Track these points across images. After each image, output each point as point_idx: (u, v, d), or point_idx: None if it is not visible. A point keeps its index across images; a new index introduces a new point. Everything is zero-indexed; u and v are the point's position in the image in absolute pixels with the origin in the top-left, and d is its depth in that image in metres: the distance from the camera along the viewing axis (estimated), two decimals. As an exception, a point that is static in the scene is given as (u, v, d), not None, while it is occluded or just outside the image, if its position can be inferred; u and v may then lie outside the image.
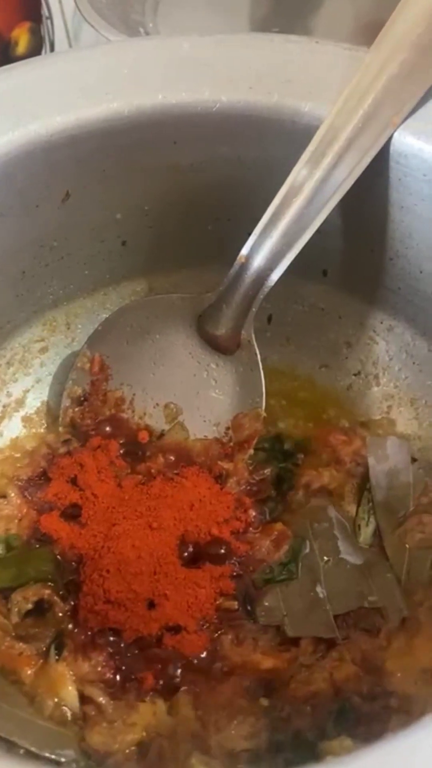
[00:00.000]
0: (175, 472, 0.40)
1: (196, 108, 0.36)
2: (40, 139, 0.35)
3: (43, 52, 0.67)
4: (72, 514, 0.38)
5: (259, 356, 0.40)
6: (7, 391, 0.43)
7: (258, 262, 0.37)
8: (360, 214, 0.38)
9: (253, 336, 0.40)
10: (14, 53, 0.65)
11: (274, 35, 0.37)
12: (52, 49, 0.67)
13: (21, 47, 0.65)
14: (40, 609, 0.35)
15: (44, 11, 0.66)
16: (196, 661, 0.34)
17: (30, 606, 0.35)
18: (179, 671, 0.34)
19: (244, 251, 0.38)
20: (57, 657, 0.34)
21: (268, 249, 0.37)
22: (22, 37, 0.65)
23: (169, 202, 0.40)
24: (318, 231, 0.37)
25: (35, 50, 0.66)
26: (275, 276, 0.38)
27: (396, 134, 0.34)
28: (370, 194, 0.37)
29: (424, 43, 0.33)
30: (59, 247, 0.40)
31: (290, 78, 0.36)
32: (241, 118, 0.36)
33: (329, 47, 0.36)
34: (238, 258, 0.38)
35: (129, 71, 0.36)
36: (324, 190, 0.35)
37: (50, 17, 0.66)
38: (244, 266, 0.38)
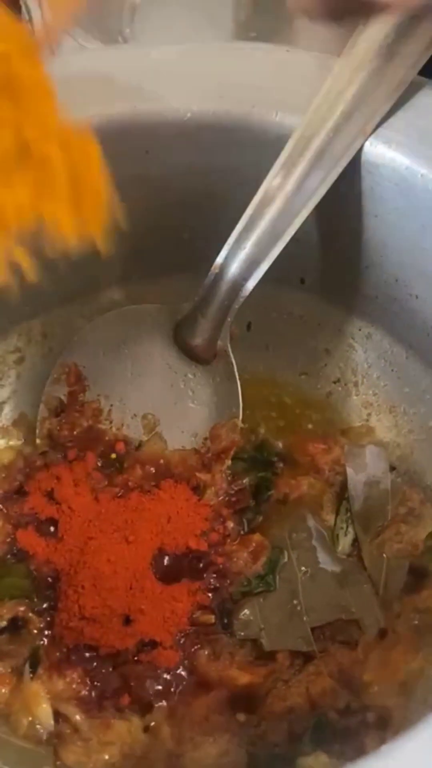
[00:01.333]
0: (153, 483, 0.40)
1: (167, 117, 0.36)
2: (9, 150, 0.34)
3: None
4: (48, 528, 0.38)
5: (235, 366, 0.40)
6: (-16, 403, 0.43)
7: (233, 271, 0.37)
8: (334, 223, 0.38)
9: (229, 346, 0.40)
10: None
11: (243, 43, 0.37)
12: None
13: (1, 51, 0.65)
14: (15, 626, 0.35)
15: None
16: (171, 677, 0.34)
17: (4, 623, 0.35)
18: (155, 687, 0.33)
19: (219, 260, 0.37)
20: (31, 675, 0.33)
21: (242, 258, 0.37)
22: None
23: (143, 211, 0.40)
24: (295, 239, 0.36)
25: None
26: (250, 285, 0.37)
27: (367, 143, 0.34)
28: (343, 203, 0.37)
29: (393, 50, 0.33)
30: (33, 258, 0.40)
31: (260, 87, 0.35)
32: (212, 127, 0.36)
33: (299, 55, 0.36)
34: (212, 267, 0.37)
35: (99, 80, 0.36)
36: (297, 199, 0.35)
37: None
38: (219, 275, 0.37)
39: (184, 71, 0.36)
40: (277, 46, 0.36)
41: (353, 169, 0.35)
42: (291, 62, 0.36)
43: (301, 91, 0.35)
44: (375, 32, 0.32)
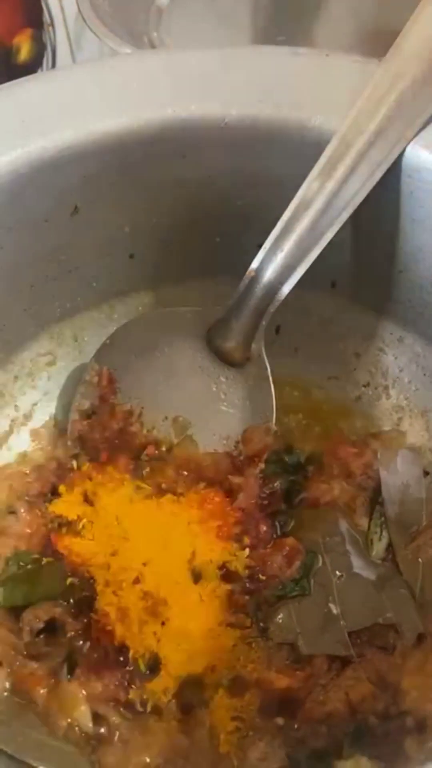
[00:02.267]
0: (185, 486, 0.40)
1: (205, 122, 0.36)
2: (48, 154, 0.35)
3: (45, 58, 0.67)
4: (82, 529, 0.38)
5: (269, 370, 0.40)
6: (15, 405, 0.43)
7: (268, 275, 0.37)
8: (370, 227, 0.38)
9: (263, 350, 0.40)
10: (16, 60, 0.65)
11: (281, 48, 0.37)
12: (54, 56, 0.67)
13: (23, 54, 0.65)
14: (52, 627, 0.35)
15: (46, 18, 0.65)
16: (209, 680, 0.34)
17: (41, 625, 0.35)
18: (193, 690, 0.33)
19: (254, 265, 0.37)
20: (69, 676, 0.33)
21: (278, 262, 0.37)
22: (24, 44, 0.65)
23: (177, 215, 0.40)
24: (328, 243, 0.36)
25: (37, 57, 0.66)
26: (286, 289, 0.37)
27: (408, 148, 0.34)
28: (380, 207, 0.37)
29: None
30: (67, 261, 0.40)
31: (299, 91, 0.35)
32: (250, 132, 0.36)
33: (338, 60, 0.36)
34: (248, 272, 0.38)
35: (137, 85, 0.36)
36: (335, 204, 0.35)
37: (52, 24, 0.66)
38: (255, 279, 0.37)
39: (223, 75, 0.36)
40: (317, 50, 0.36)
41: (392, 173, 0.35)
42: (330, 67, 0.36)
43: (340, 96, 0.35)
44: (418, 38, 0.32)
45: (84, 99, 0.35)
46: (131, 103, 0.36)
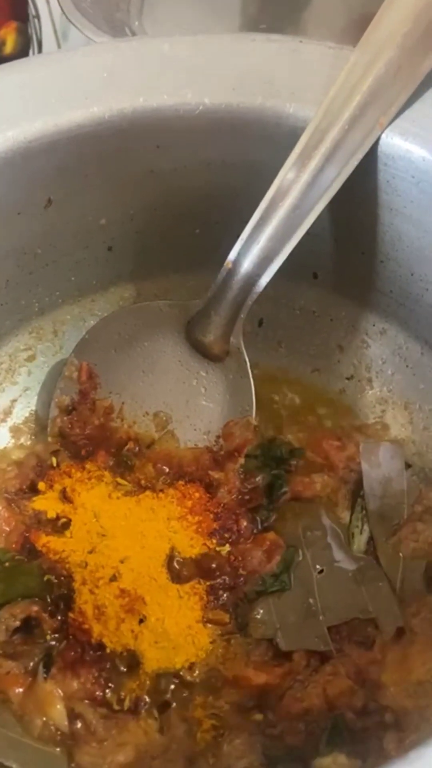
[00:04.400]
0: (165, 482, 0.39)
1: (179, 111, 0.35)
2: (19, 145, 0.34)
3: (30, 51, 0.66)
4: (61, 527, 0.38)
5: (248, 364, 0.40)
6: (-6, 401, 0.42)
7: (246, 267, 0.37)
8: (349, 217, 0.38)
9: (242, 343, 0.39)
10: (2, 53, 0.64)
11: (256, 35, 0.36)
12: (39, 49, 0.66)
13: (8, 47, 0.65)
14: (28, 626, 0.34)
15: (31, 10, 0.65)
16: (186, 677, 0.33)
17: (18, 623, 0.34)
18: (171, 687, 0.33)
19: (231, 256, 0.37)
20: (45, 675, 0.33)
21: (255, 254, 0.36)
22: (9, 37, 0.64)
23: (154, 206, 0.40)
24: (307, 233, 0.36)
25: (23, 50, 0.66)
26: (264, 281, 0.37)
27: (383, 135, 0.34)
28: (358, 196, 0.36)
29: (410, 42, 0.32)
30: (43, 255, 0.40)
31: (274, 79, 0.35)
32: (225, 121, 0.36)
33: (313, 46, 0.35)
34: (225, 263, 0.37)
35: (108, 74, 0.35)
36: (311, 193, 0.34)
37: (37, 16, 0.65)
38: (232, 272, 0.37)
39: (196, 64, 0.36)
40: (290, 37, 0.36)
41: (369, 162, 0.34)
42: (304, 53, 0.35)
43: (315, 83, 0.34)
44: (391, 22, 0.32)
45: (55, 89, 0.35)
46: (103, 92, 0.35)
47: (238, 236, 0.37)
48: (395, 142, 0.34)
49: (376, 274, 0.40)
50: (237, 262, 0.37)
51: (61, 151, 0.35)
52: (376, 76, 0.32)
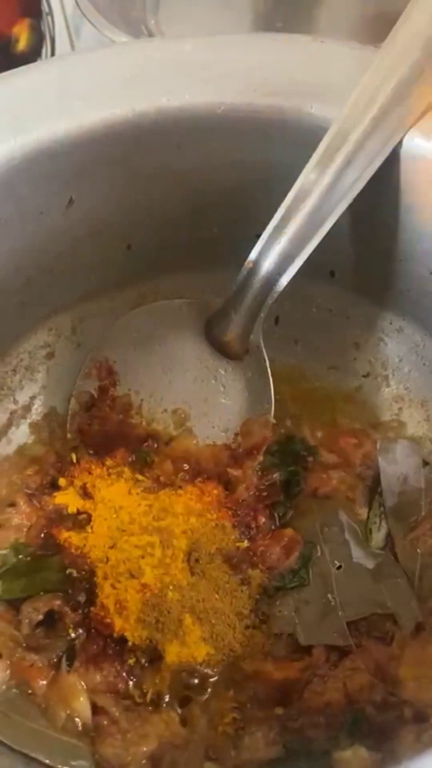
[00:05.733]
0: (184, 478, 0.40)
1: (200, 111, 0.36)
2: (43, 146, 0.34)
3: (43, 48, 0.66)
4: (81, 522, 0.38)
5: (267, 362, 0.40)
6: (14, 398, 0.43)
7: (266, 266, 0.37)
8: (369, 216, 0.38)
9: (261, 342, 0.40)
10: (15, 50, 0.65)
11: (277, 35, 0.36)
12: (53, 46, 0.66)
13: (22, 44, 0.65)
14: (51, 620, 0.35)
15: (44, 7, 0.65)
16: (207, 671, 0.34)
17: (41, 617, 0.35)
18: (192, 681, 0.34)
19: (252, 256, 0.37)
20: (68, 668, 0.34)
21: (276, 253, 0.36)
22: (22, 34, 0.65)
23: (174, 205, 0.40)
24: (326, 233, 0.36)
25: (36, 47, 0.66)
26: (284, 280, 0.37)
27: (405, 136, 0.34)
28: (378, 196, 0.36)
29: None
30: (64, 253, 0.40)
31: (295, 79, 0.35)
32: (246, 121, 0.36)
33: (334, 46, 0.36)
34: (246, 263, 0.37)
35: (130, 75, 0.35)
36: (333, 194, 0.35)
37: (50, 13, 0.65)
38: (252, 271, 0.37)
39: (218, 64, 0.36)
40: (311, 37, 0.36)
41: (390, 162, 0.34)
42: (325, 53, 0.36)
43: (337, 84, 0.35)
44: (416, 24, 0.32)
45: (77, 90, 0.35)
46: (125, 93, 0.35)
47: (256, 236, 0.37)
48: (416, 143, 0.34)
49: (394, 273, 0.40)
50: (257, 261, 0.37)
51: (84, 151, 0.35)
52: (400, 78, 0.32)
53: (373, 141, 0.33)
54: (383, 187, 0.36)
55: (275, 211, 0.36)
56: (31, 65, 0.37)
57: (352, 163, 0.34)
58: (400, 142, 0.34)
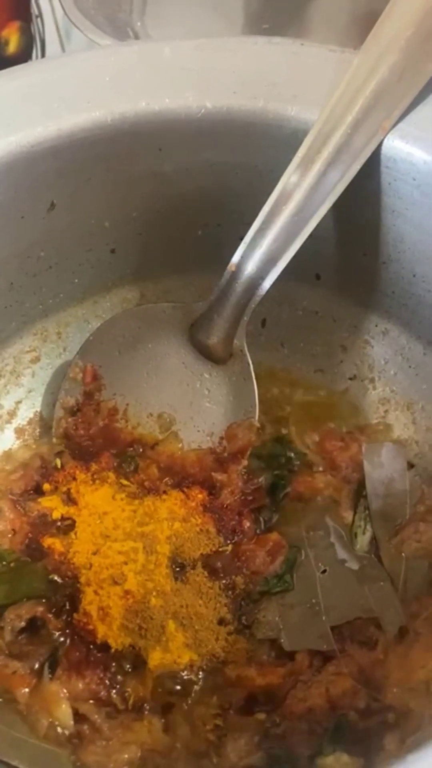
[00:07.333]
0: (169, 483, 0.39)
1: (180, 114, 0.35)
2: (22, 150, 0.34)
3: (33, 51, 0.66)
4: (65, 528, 0.38)
5: (251, 366, 0.40)
6: (-1, 403, 0.43)
7: (249, 270, 0.37)
8: (352, 219, 0.38)
9: (245, 345, 0.39)
10: (5, 53, 0.64)
11: (257, 38, 0.36)
12: (43, 48, 0.66)
13: (12, 47, 0.65)
14: (34, 626, 0.35)
15: (34, 10, 0.65)
16: (190, 677, 0.33)
17: (23, 624, 0.35)
18: (175, 687, 0.33)
19: (235, 259, 0.37)
20: (51, 675, 0.33)
21: (258, 257, 0.36)
22: (12, 37, 0.65)
23: (157, 208, 0.40)
24: (310, 235, 0.36)
25: (26, 49, 0.66)
26: (267, 284, 0.37)
27: (385, 138, 0.34)
28: (361, 199, 0.36)
29: (413, 45, 0.32)
30: (47, 257, 0.40)
31: (275, 81, 0.35)
32: (227, 124, 0.36)
33: (314, 49, 0.35)
34: (228, 266, 0.37)
35: (110, 78, 0.35)
36: (315, 196, 0.35)
37: (40, 16, 0.65)
38: (235, 275, 0.37)
39: (198, 67, 0.36)
40: (292, 39, 0.36)
41: (371, 164, 0.34)
42: (306, 56, 0.35)
43: (317, 86, 0.34)
44: (395, 25, 0.32)
45: (56, 93, 0.35)
46: (105, 96, 0.35)
47: (239, 238, 0.37)
48: (397, 145, 0.34)
49: (379, 276, 0.40)
50: (240, 264, 0.37)
51: (64, 155, 0.35)
52: (380, 79, 0.32)
53: (354, 142, 0.33)
54: (364, 189, 0.36)
55: (258, 213, 0.36)
56: (11, 68, 0.37)
57: (333, 164, 0.33)
58: (380, 145, 0.34)
